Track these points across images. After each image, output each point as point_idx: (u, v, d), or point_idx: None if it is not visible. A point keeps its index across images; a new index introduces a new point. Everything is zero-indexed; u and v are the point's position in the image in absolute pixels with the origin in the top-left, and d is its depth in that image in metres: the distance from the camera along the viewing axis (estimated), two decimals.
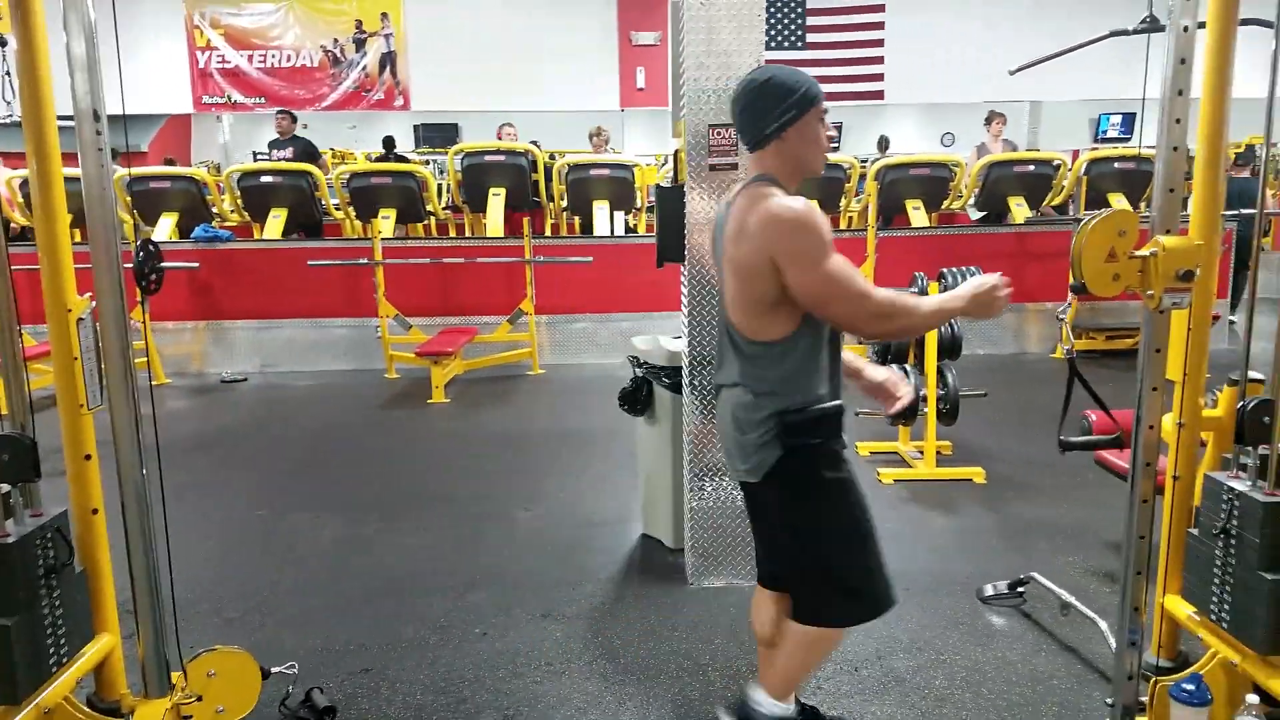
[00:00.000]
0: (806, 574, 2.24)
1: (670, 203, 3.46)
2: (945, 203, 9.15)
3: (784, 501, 2.19)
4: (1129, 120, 12.70)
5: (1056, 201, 9.14)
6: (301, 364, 7.95)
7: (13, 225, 8.33)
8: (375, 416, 6.45)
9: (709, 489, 3.44)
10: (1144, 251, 2.14)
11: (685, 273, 3.41)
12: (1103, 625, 2.78)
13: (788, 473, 2.14)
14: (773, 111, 2.09)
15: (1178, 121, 2.25)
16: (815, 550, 2.19)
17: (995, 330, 8.12)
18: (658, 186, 3.63)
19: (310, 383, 7.54)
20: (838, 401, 2.15)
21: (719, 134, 3.30)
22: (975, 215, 9.49)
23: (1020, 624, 3.11)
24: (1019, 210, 8.75)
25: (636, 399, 3.88)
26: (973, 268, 4.72)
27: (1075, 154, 10.97)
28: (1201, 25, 2.24)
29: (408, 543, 4.02)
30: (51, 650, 2.07)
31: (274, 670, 2.62)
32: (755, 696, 2.30)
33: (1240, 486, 2.14)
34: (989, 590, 3.30)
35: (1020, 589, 3.27)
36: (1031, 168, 8.97)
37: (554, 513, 4.33)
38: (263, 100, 11.45)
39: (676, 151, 3.60)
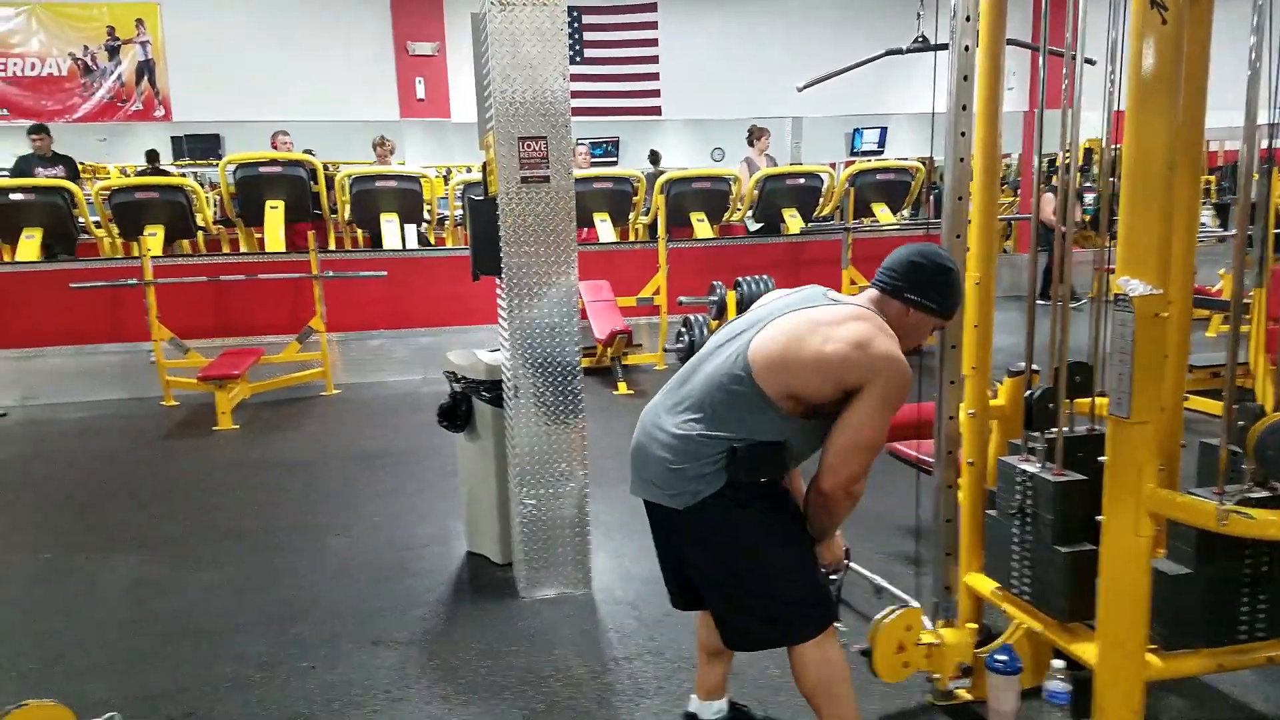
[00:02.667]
0: (745, 602, 2.25)
1: (484, 216, 3.47)
2: (725, 215, 9.60)
3: (721, 535, 2.20)
4: (883, 134, 13.79)
5: (825, 211, 9.81)
6: (69, 395, 7.23)
7: None
8: (157, 448, 5.98)
9: (535, 501, 3.47)
10: (929, 640, 2.50)
11: (504, 285, 3.42)
12: (915, 605, 3.04)
13: (725, 503, 2.15)
14: (930, 293, 2.19)
15: (963, 134, 2.52)
16: (759, 579, 2.23)
17: None
18: (470, 200, 3.63)
19: (81, 414, 6.87)
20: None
21: (529, 146, 3.34)
22: (753, 226, 10.02)
23: (851, 617, 3.32)
24: (793, 221, 9.33)
25: (456, 414, 3.85)
26: (766, 277, 5.03)
27: (833, 166, 11.84)
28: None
29: (210, 579, 3.78)
30: None
31: None
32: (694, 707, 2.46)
33: (1032, 469, 2.39)
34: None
35: (834, 576, 3.49)
36: (802, 180, 9.58)
37: (369, 537, 4.21)
38: (6, 112, 10.35)
39: (485, 164, 3.61)
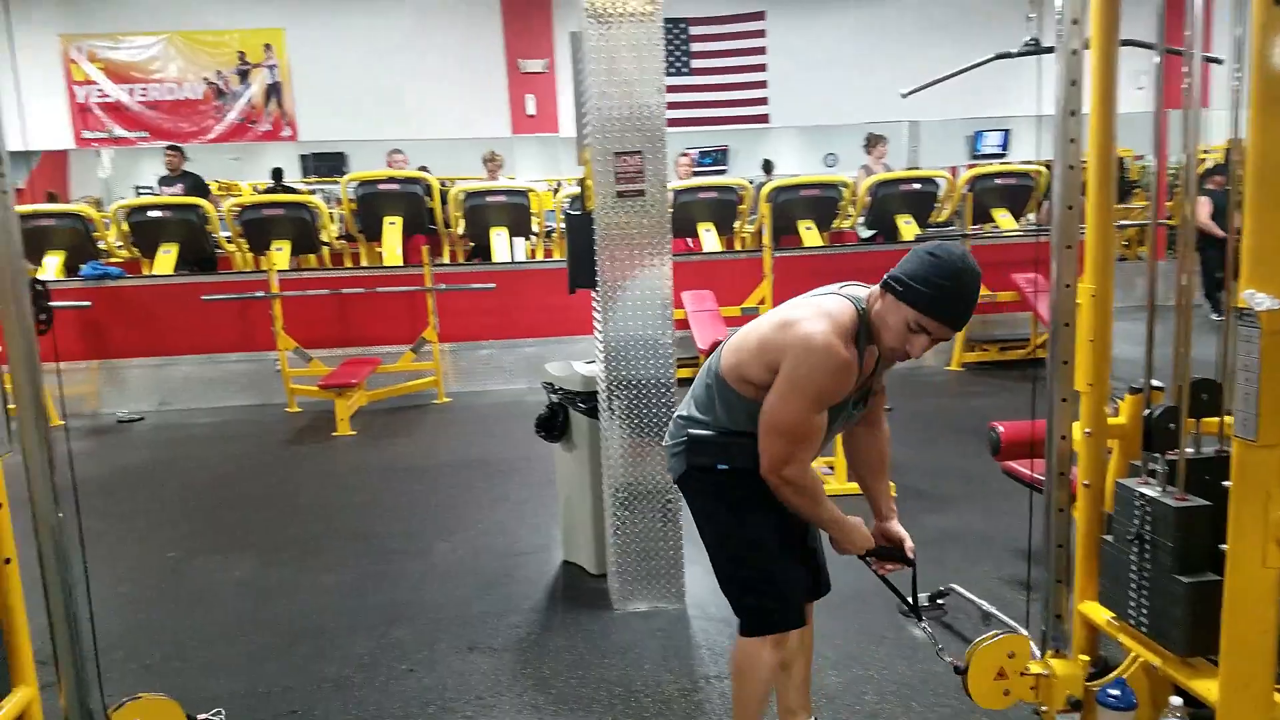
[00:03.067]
0: (719, 573, 2.32)
1: (580, 230, 3.50)
2: (835, 222, 9.42)
3: (693, 510, 2.34)
4: (1005, 136, 13.31)
5: (942, 217, 9.52)
6: (200, 401, 7.66)
7: None
8: (280, 452, 6.26)
9: (630, 513, 3.47)
10: (1038, 670, 2.36)
11: (599, 298, 3.44)
12: (1024, 634, 2.91)
13: (691, 485, 2.29)
14: (902, 277, 2.05)
15: (1072, 141, 2.40)
16: (720, 560, 2.29)
17: None
18: (567, 214, 3.66)
19: (210, 420, 7.27)
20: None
21: (625, 161, 3.35)
22: (864, 233, 9.80)
23: (943, 636, 3.21)
24: (907, 227, 9.07)
25: (553, 425, 3.88)
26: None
27: (954, 170, 11.48)
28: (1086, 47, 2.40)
29: (323, 581, 3.92)
30: None
31: (200, 717, 2.51)
32: None
33: (1151, 493, 2.23)
34: (909, 604, 3.38)
35: (940, 600, 3.38)
36: (916, 186, 9.30)
37: (472, 543, 4.29)
38: (146, 134, 11.06)
39: (583, 179, 3.64)
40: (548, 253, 9.69)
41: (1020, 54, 3.80)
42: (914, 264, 2.06)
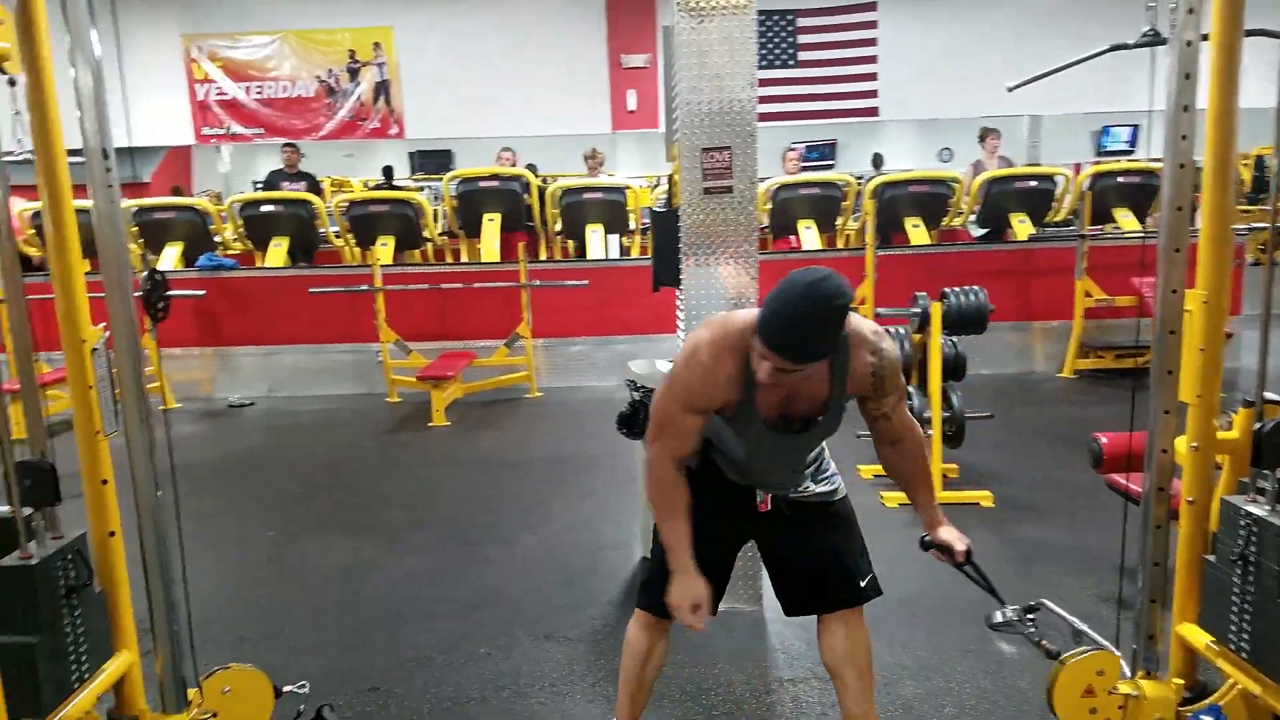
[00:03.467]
0: None
1: (665, 227, 3.48)
2: (945, 219, 9.13)
3: None
4: (1134, 132, 12.68)
5: (1060, 216, 9.14)
6: (307, 388, 7.99)
7: (34, 258, 8.37)
8: (379, 440, 6.46)
9: None
10: (1127, 691, 2.27)
11: (682, 297, 3.42)
12: (1116, 652, 2.78)
13: None
14: (764, 304, 1.93)
15: (1184, 138, 2.26)
16: None
17: (999, 350, 8.11)
18: (652, 211, 3.64)
19: (315, 407, 7.55)
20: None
21: (713, 157, 3.31)
22: (976, 232, 9.49)
23: (1031, 652, 3.07)
24: (1021, 226, 8.74)
25: (634, 422, 3.86)
26: (977, 287, 4.74)
27: (1077, 168, 11.02)
28: (1205, 38, 2.25)
29: (411, 565, 4.02)
30: (73, 667, 2.12)
31: (286, 689, 2.59)
32: None
33: (1258, 512, 2.10)
34: (998, 617, 3.27)
35: (1031, 615, 3.24)
36: (1033, 183, 8.94)
37: (556, 536, 4.33)
38: (261, 131, 11.53)
39: (671, 175, 3.61)
40: (643, 250, 9.72)
41: (1137, 45, 3.58)
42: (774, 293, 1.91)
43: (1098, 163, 10.67)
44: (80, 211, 2.11)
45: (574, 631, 3.32)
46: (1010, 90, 4.91)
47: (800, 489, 2.27)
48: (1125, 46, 4.23)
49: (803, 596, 2.34)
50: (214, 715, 2.36)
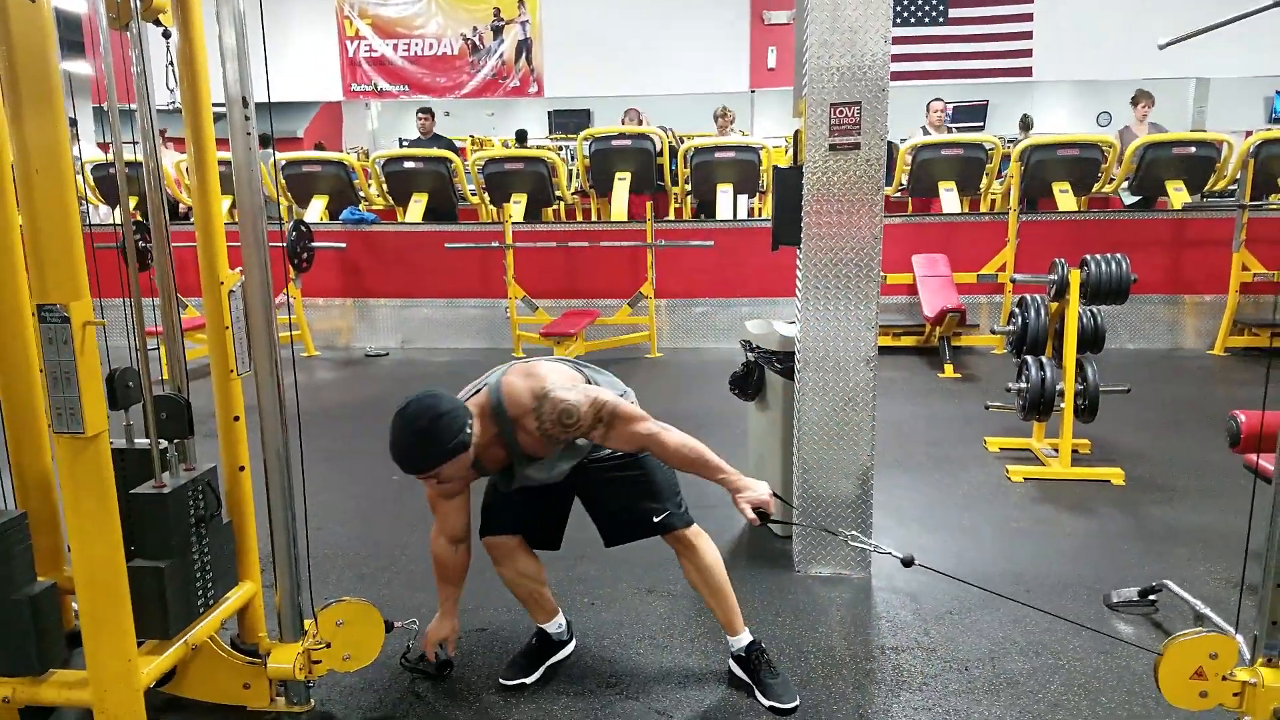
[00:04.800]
0: None
1: (788, 185, 3.41)
2: (1096, 186, 8.68)
3: None
4: None
5: (1220, 186, 8.55)
6: (438, 341, 8.32)
7: (181, 206, 8.96)
8: None
9: (819, 478, 3.42)
10: (1244, 678, 2.19)
11: (802, 257, 3.37)
12: (1239, 639, 2.63)
13: None
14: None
15: None
16: None
17: (1147, 323, 7.70)
18: (776, 168, 3.59)
19: (446, 359, 7.85)
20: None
21: (841, 112, 3.24)
22: (1129, 200, 8.97)
23: (1149, 634, 2.96)
24: (1176, 195, 8.22)
25: (748, 384, 3.87)
26: (1120, 255, 4.50)
27: (1248, 135, 10.24)
28: None
29: None
30: (200, 593, 2.27)
31: (397, 624, 2.74)
32: None
33: None
34: (1116, 597, 3.15)
35: (1152, 597, 3.11)
36: (1192, 150, 8.37)
37: None
38: (406, 89, 11.87)
39: (797, 132, 3.55)
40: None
41: None
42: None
43: (1268, 129, 9.88)
44: (224, 163, 2.25)
45: (676, 587, 3.35)
46: (1162, 48, 4.56)
47: (599, 454, 2.66)
48: None
49: (609, 532, 2.79)
50: (327, 645, 2.50)
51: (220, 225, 2.38)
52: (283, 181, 9.01)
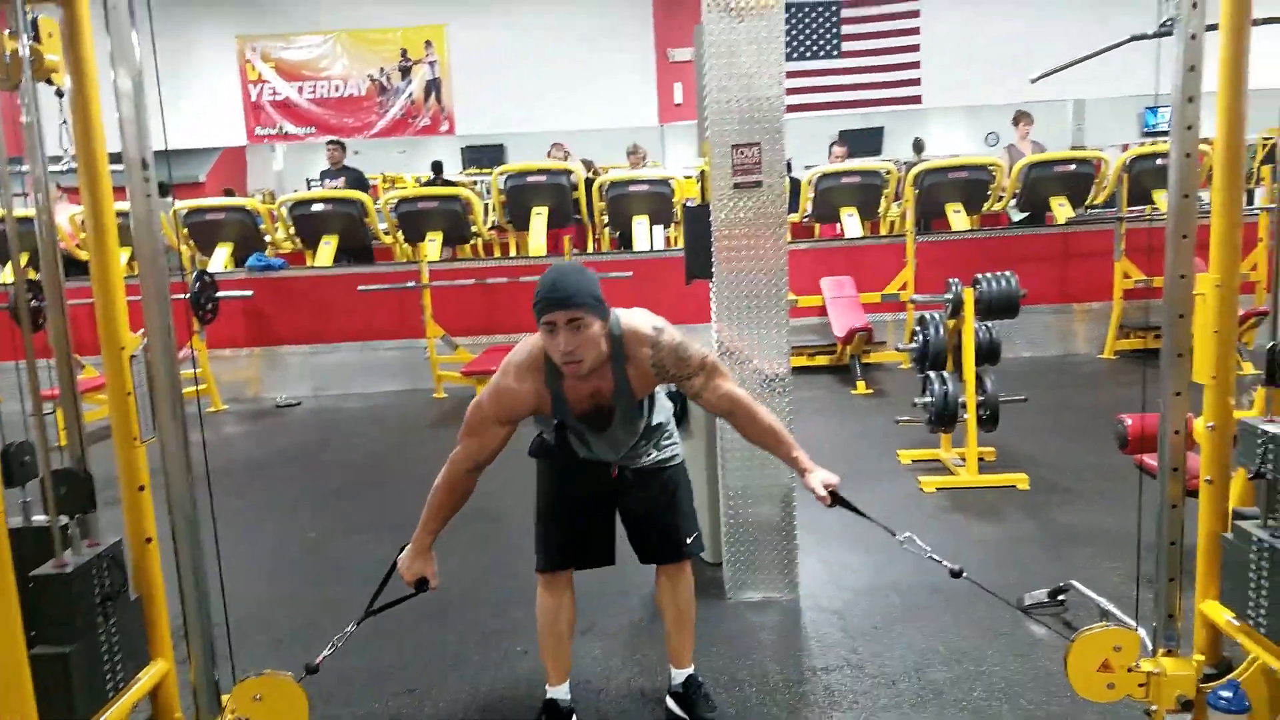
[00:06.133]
0: None
1: (697, 222, 3.53)
2: (986, 205, 9.08)
3: None
4: None
5: (1099, 200, 9.02)
6: (353, 386, 8.18)
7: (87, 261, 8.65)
8: (424, 436, 6.58)
9: (746, 503, 3.49)
10: (1148, 668, 2.32)
11: (714, 289, 3.46)
12: (1141, 632, 2.77)
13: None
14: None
15: (1189, 129, 2.28)
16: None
17: (1040, 333, 8.04)
18: (685, 206, 3.69)
19: (362, 404, 7.73)
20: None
21: (742, 153, 3.36)
22: (1017, 216, 9.40)
23: (1060, 633, 3.09)
24: (1061, 210, 8.66)
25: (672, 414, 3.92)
26: (1009, 273, 4.71)
27: (1124, 149, 10.77)
28: (1212, 28, 2.25)
29: (451, 562, 4.04)
30: (109, 676, 2.13)
31: (318, 661, 2.58)
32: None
33: (1275, 430, 2.08)
34: (1028, 599, 3.28)
35: (1060, 597, 3.26)
36: (1072, 167, 8.88)
37: None
38: (313, 130, 11.76)
39: (703, 171, 3.66)
40: None
41: (1156, 35, 3.56)
42: None
43: (1142, 143, 10.48)
44: (122, 214, 2.20)
45: (611, 625, 3.38)
46: (1033, 81, 4.85)
47: (643, 457, 2.65)
48: (1145, 37, 4.19)
49: (647, 550, 2.76)
50: None
51: (120, 286, 2.29)
52: (184, 230, 8.80)
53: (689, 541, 2.71)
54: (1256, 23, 2.25)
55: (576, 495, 2.70)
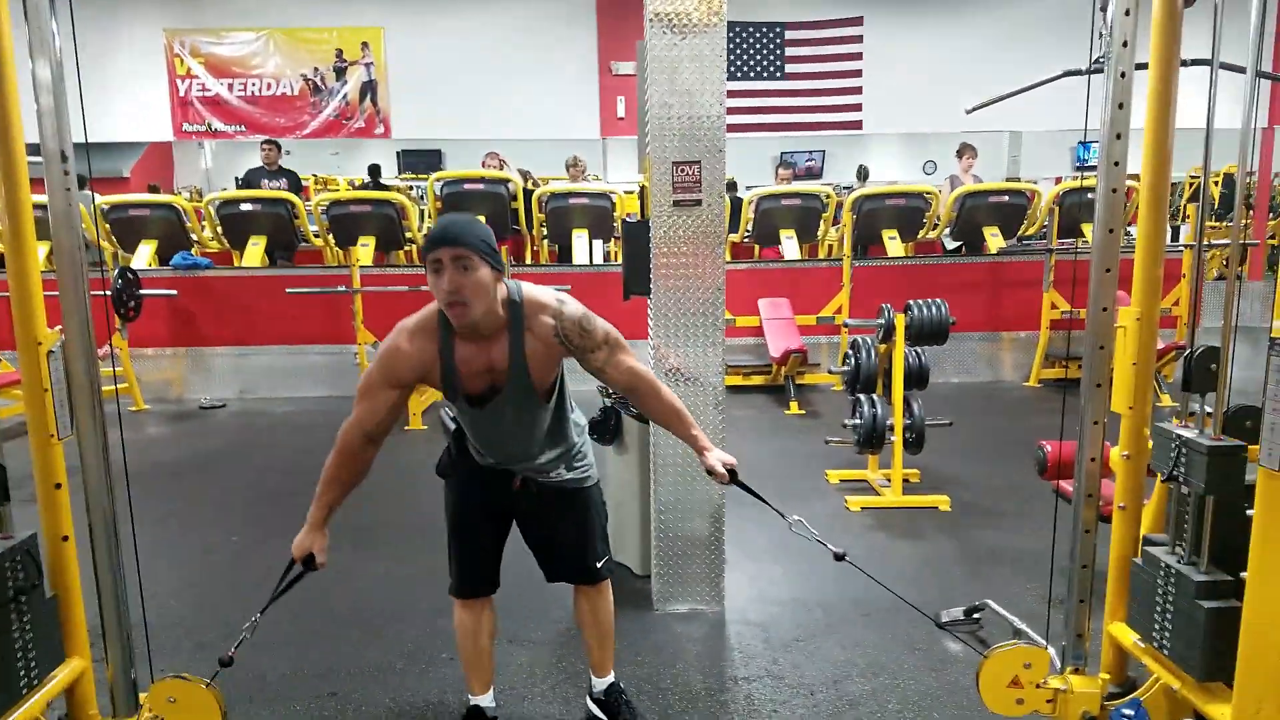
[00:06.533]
0: None
1: (636, 238, 3.55)
2: (921, 233, 9.28)
3: None
4: None
5: (1031, 231, 9.29)
6: (280, 390, 8.02)
7: None
8: None
9: (675, 517, 3.51)
10: (1056, 685, 2.42)
11: (652, 306, 3.48)
12: (1051, 651, 2.86)
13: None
14: None
15: (1116, 164, 2.37)
16: None
17: (970, 359, 8.25)
18: (624, 222, 3.71)
19: (288, 409, 7.57)
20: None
21: (682, 171, 3.38)
22: (951, 245, 9.63)
23: (975, 650, 3.17)
24: (994, 240, 8.89)
25: (605, 428, 3.94)
26: (939, 300, 4.83)
27: (1058, 181, 11.11)
28: (1141, 67, 2.34)
29: (378, 570, 4.05)
30: (22, 673, 2.11)
31: (231, 654, 2.48)
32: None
33: (1187, 434, 2.17)
34: (946, 616, 3.36)
35: (976, 615, 3.34)
36: (1006, 198, 9.10)
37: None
38: (243, 128, 11.50)
39: (643, 187, 3.68)
40: None
41: (1090, 71, 3.70)
42: None
43: (1075, 177, 10.82)
44: (40, 207, 2.14)
45: (537, 634, 3.37)
46: (969, 113, 5.01)
47: (550, 472, 2.55)
48: (1079, 72, 4.35)
49: (552, 569, 2.72)
50: None
51: (37, 278, 2.23)
52: (106, 226, 8.55)
53: (598, 566, 2.66)
54: (1184, 63, 2.36)
55: (476, 513, 2.63)
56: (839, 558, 2.43)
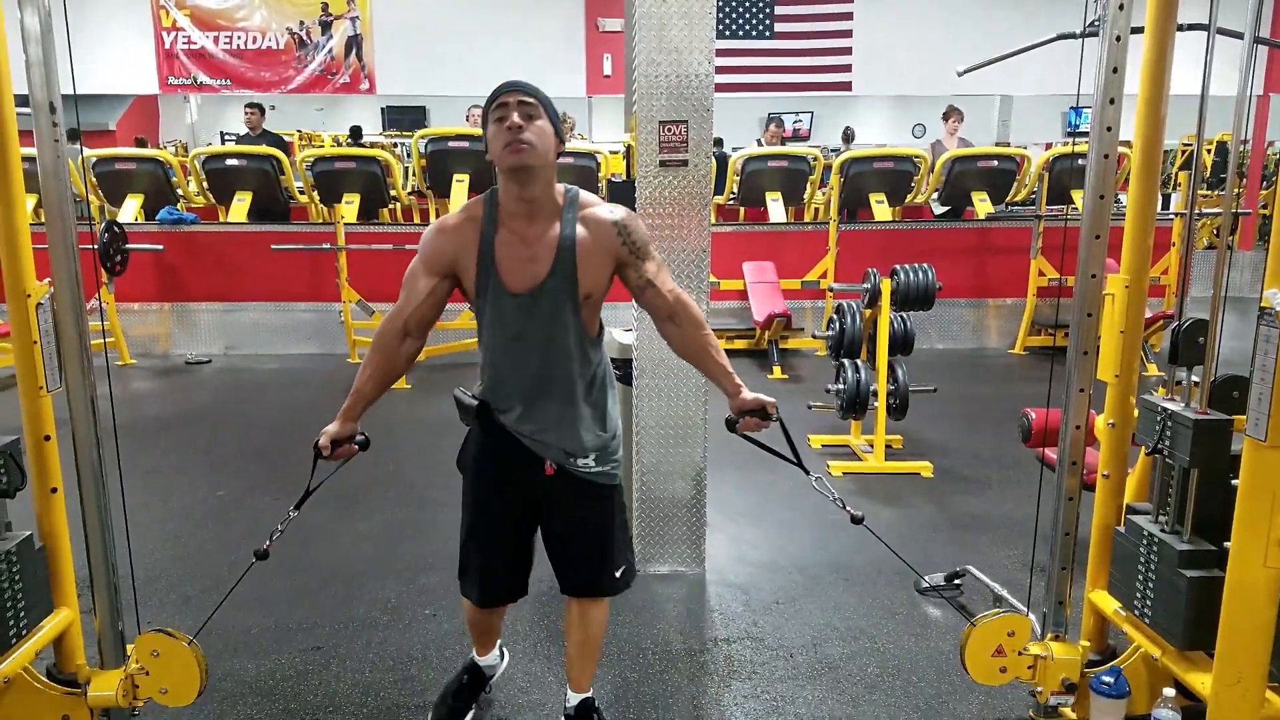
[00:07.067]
0: None
1: (621, 198, 3.53)
2: (909, 197, 9.24)
3: None
4: None
5: (1020, 197, 9.27)
6: (266, 347, 7.98)
7: None
8: (337, 401, 6.32)
9: (657, 478, 3.53)
10: (1037, 651, 2.43)
11: None
12: (1031, 618, 2.91)
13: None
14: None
15: (1109, 130, 2.36)
16: None
17: (955, 326, 8.28)
18: (609, 182, 3.68)
19: (274, 366, 7.55)
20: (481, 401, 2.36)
21: (670, 130, 3.35)
22: (939, 209, 9.61)
23: (954, 616, 3.21)
24: (982, 205, 8.86)
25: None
26: (926, 265, 4.84)
27: (1048, 147, 11.07)
28: (1137, 31, 2.33)
29: (361, 527, 4.07)
30: (11, 623, 2.13)
31: (267, 545, 2.54)
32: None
33: (1174, 407, 2.20)
34: (925, 582, 3.40)
35: (957, 581, 3.38)
36: (995, 163, 9.05)
37: None
38: (228, 82, 11.34)
39: (629, 146, 3.65)
40: None
41: (1083, 35, 3.67)
42: None
43: (1066, 142, 10.79)
44: (29, 159, 2.11)
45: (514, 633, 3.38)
46: (960, 74, 4.97)
47: (587, 454, 2.31)
48: (1072, 36, 4.31)
49: (567, 576, 2.45)
50: (146, 672, 2.38)
51: (25, 230, 2.22)
52: (93, 180, 8.43)
53: (617, 575, 2.43)
54: (1181, 28, 2.34)
55: (498, 512, 2.39)
56: (856, 520, 2.37)
